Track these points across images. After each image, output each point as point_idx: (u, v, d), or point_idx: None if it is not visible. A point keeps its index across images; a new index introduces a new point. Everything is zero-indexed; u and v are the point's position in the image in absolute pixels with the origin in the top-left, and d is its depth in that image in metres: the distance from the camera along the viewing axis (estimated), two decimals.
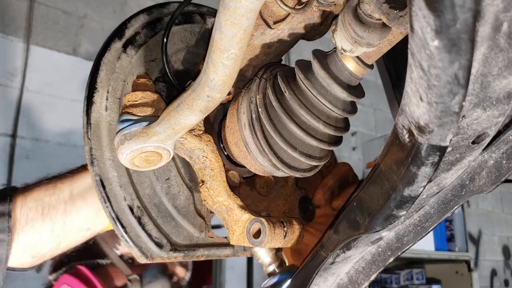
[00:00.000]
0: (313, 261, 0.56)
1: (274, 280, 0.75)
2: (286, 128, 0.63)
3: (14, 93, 2.75)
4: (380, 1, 0.49)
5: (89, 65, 0.70)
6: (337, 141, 0.66)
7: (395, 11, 0.48)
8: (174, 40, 0.78)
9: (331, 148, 0.66)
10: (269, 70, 0.68)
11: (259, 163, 0.67)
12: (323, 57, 0.61)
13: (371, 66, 0.59)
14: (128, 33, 0.74)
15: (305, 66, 0.63)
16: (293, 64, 0.71)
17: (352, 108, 0.63)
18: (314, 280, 0.56)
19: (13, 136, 2.71)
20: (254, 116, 0.65)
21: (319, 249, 0.55)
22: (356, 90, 0.61)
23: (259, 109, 0.64)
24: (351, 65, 0.59)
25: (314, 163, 0.66)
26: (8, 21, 2.78)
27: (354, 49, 0.55)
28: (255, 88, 0.66)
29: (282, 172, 0.67)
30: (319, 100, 0.61)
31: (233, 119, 0.69)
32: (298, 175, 0.67)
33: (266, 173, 0.71)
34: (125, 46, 0.73)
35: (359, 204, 0.46)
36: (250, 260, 3.46)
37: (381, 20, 0.52)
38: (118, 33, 0.73)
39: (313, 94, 0.61)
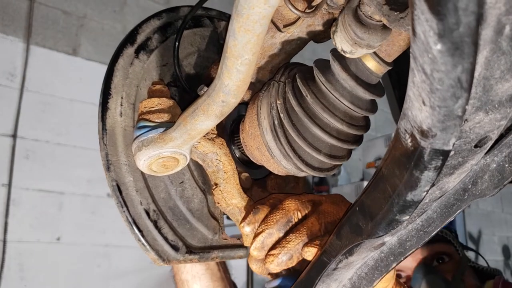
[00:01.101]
0: (316, 267, 0.55)
1: (276, 283, 0.75)
2: (310, 132, 0.63)
3: (14, 93, 2.74)
4: (381, 3, 0.48)
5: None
6: (358, 139, 0.66)
7: (395, 13, 0.48)
8: (184, 44, 0.79)
9: (354, 147, 0.67)
10: (287, 72, 0.68)
11: (282, 166, 0.68)
12: (342, 57, 0.60)
13: (391, 64, 0.59)
14: (140, 38, 0.75)
15: (323, 67, 0.62)
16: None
17: (373, 107, 0.64)
18: (317, 286, 0.55)
19: (13, 136, 2.71)
20: (276, 122, 0.65)
21: (321, 255, 0.55)
22: (377, 88, 0.61)
23: (281, 115, 0.64)
24: (371, 64, 0.58)
25: (337, 163, 0.67)
26: (8, 21, 2.78)
27: (354, 50, 0.54)
28: (274, 93, 0.66)
29: (305, 173, 0.68)
30: (342, 102, 0.61)
31: (254, 124, 0.69)
32: (322, 175, 0.68)
33: (288, 174, 0.72)
34: (137, 52, 0.73)
35: (362, 209, 0.46)
36: None
37: (381, 21, 0.51)
38: (130, 38, 0.74)
39: (335, 97, 0.61)
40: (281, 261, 0.62)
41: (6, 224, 2.61)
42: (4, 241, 2.59)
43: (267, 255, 0.64)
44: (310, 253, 0.60)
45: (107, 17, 3.18)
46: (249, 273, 3.49)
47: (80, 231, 2.88)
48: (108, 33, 3.15)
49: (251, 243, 0.65)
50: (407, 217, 0.40)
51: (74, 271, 2.82)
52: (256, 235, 0.65)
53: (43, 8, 2.91)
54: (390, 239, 0.49)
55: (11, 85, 2.74)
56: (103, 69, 0.70)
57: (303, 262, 0.63)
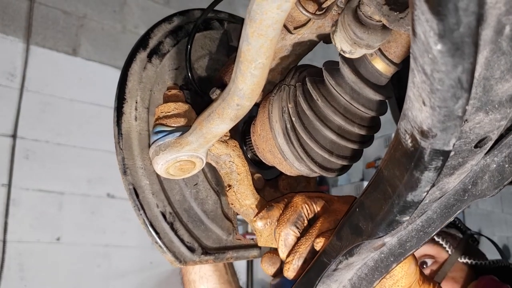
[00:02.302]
0: (316, 268, 0.56)
1: (276, 281, 0.75)
2: (321, 134, 0.64)
3: (14, 93, 2.74)
4: (380, 3, 0.48)
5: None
6: (369, 139, 0.67)
7: (395, 13, 0.48)
8: (195, 47, 0.79)
9: (365, 147, 0.67)
10: (297, 76, 0.68)
11: (295, 168, 0.69)
12: (351, 59, 0.60)
13: (399, 65, 0.59)
14: (152, 43, 0.75)
15: (333, 70, 0.63)
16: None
17: (383, 107, 0.64)
18: (317, 287, 0.55)
19: (13, 136, 2.70)
20: (288, 126, 0.66)
21: (321, 255, 0.55)
22: (386, 89, 0.62)
23: (293, 118, 0.65)
24: (381, 66, 0.59)
25: (349, 163, 0.68)
26: (8, 21, 2.78)
27: (353, 50, 0.55)
28: (285, 97, 0.67)
29: (317, 174, 0.69)
30: (352, 105, 0.61)
31: (265, 127, 0.70)
32: (334, 175, 0.69)
33: (300, 174, 0.73)
34: (150, 56, 0.74)
35: (362, 210, 0.46)
36: (250, 260, 3.46)
37: (381, 22, 0.51)
38: (142, 43, 0.74)
39: (346, 100, 0.61)
40: (296, 267, 0.63)
41: (6, 224, 2.61)
42: (4, 241, 2.59)
43: (284, 263, 0.65)
44: (320, 243, 0.61)
45: (107, 17, 3.18)
46: (249, 273, 3.49)
47: (80, 231, 2.88)
48: (108, 33, 3.14)
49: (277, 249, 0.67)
50: (407, 217, 0.40)
51: (74, 271, 2.82)
52: (277, 241, 0.67)
53: (43, 8, 2.91)
54: (390, 240, 0.50)
55: (11, 85, 2.74)
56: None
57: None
